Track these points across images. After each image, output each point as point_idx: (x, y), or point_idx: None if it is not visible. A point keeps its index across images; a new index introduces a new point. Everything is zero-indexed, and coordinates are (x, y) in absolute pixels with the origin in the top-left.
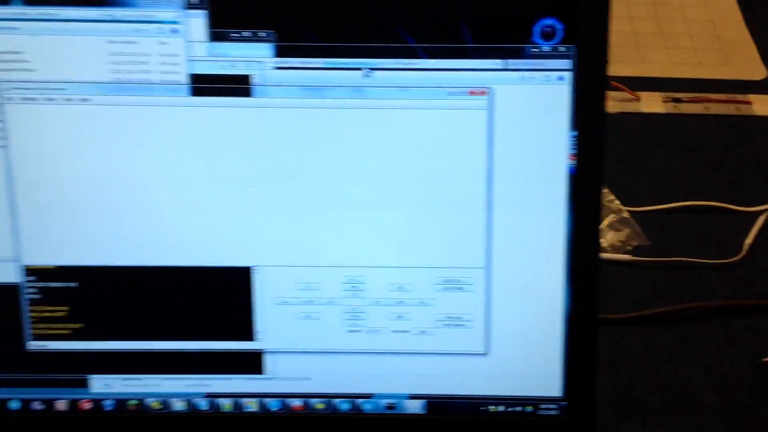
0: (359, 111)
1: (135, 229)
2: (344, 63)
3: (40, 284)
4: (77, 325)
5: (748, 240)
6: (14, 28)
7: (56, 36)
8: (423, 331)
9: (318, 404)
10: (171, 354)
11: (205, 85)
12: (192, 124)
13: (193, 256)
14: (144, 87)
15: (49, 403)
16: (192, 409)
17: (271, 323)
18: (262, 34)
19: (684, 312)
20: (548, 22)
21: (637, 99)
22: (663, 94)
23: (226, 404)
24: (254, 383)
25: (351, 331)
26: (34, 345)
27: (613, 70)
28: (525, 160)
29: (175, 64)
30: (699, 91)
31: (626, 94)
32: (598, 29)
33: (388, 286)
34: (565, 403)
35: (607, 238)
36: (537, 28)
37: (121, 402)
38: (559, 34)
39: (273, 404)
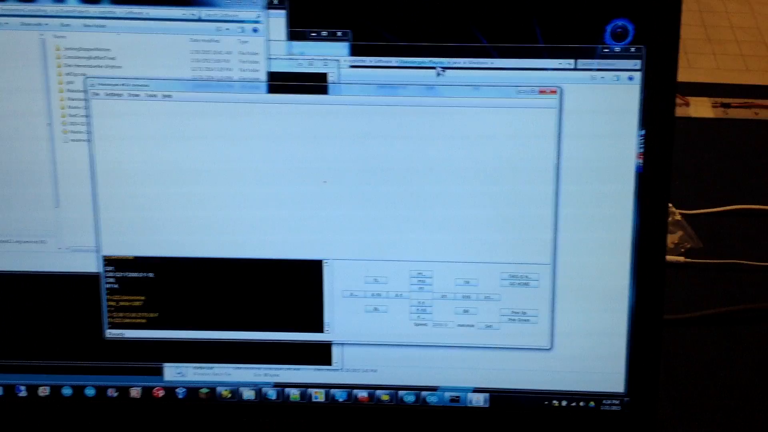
0: (431, 109)
1: (211, 222)
2: (418, 62)
3: (118, 274)
4: (153, 315)
5: None
6: (102, 26)
7: (141, 34)
8: (488, 326)
9: (383, 396)
10: (242, 344)
11: (282, 83)
12: (268, 121)
13: (267, 249)
14: (224, 84)
15: (123, 390)
16: (261, 399)
17: (340, 316)
18: (338, 33)
19: (739, 313)
20: (620, 22)
21: (687, 104)
22: (712, 99)
23: (293, 394)
24: (322, 374)
25: (417, 325)
26: (111, 333)
27: None
28: (593, 158)
29: (254, 62)
30: (747, 97)
31: (676, 99)
32: (668, 30)
33: (455, 281)
34: (627, 399)
35: None
36: (609, 29)
37: (192, 390)
38: (631, 35)
39: (339, 395)
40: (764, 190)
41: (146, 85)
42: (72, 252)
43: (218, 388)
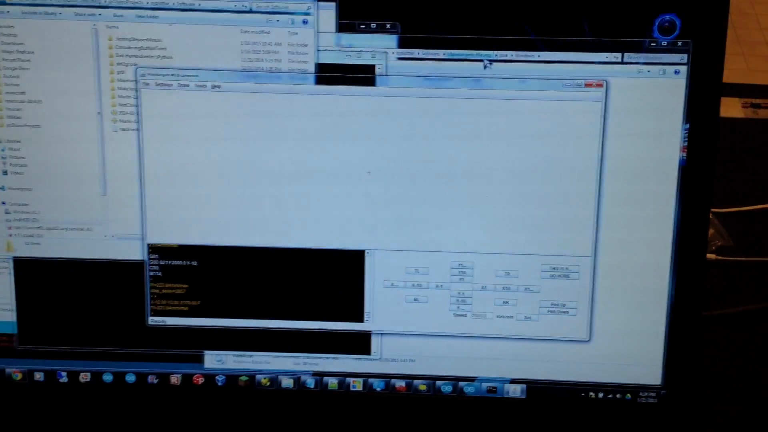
0: (477, 101)
1: (255, 211)
2: (465, 54)
3: (162, 262)
4: (195, 302)
5: None
6: (154, 17)
7: (193, 25)
8: (527, 317)
9: (421, 386)
10: (282, 333)
11: (330, 74)
12: (316, 112)
13: (309, 239)
14: (272, 75)
15: (164, 377)
16: (299, 387)
17: (380, 306)
18: (387, 25)
19: None
20: (668, 17)
21: None
22: (742, 99)
23: (332, 383)
24: (361, 363)
25: (457, 315)
26: (154, 321)
27: None
28: (637, 151)
29: (303, 53)
30: None
31: None
32: (715, 24)
33: (496, 272)
34: (664, 391)
35: None
36: (657, 23)
37: (232, 378)
38: (678, 29)
39: (377, 384)
40: None
41: (196, 76)
42: (117, 239)
43: (257, 376)
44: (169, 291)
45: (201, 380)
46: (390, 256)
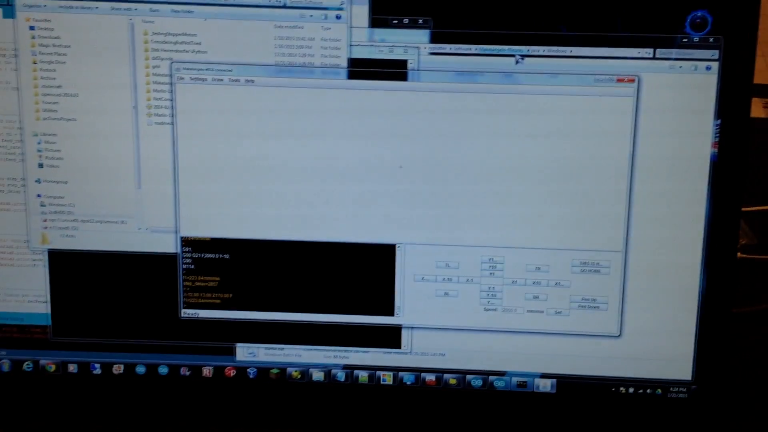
0: (509, 96)
1: (287, 205)
2: (497, 50)
3: (195, 255)
4: (227, 295)
5: None
6: (189, 12)
7: (227, 20)
8: (558, 312)
9: (451, 380)
10: (313, 326)
11: (362, 69)
12: (348, 106)
13: (341, 232)
14: (305, 70)
15: (196, 369)
16: (330, 380)
17: (411, 299)
18: (420, 20)
19: None
20: (699, 13)
21: None
22: (763, 99)
23: (362, 376)
24: (391, 357)
25: (487, 310)
26: (186, 313)
27: None
28: (668, 146)
29: (336, 48)
30: None
31: None
32: (747, 20)
33: (526, 267)
34: (694, 387)
35: None
36: (689, 19)
37: (263, 371)
38: (709, 25)
39: (407, 378)
40: None
41: (230, 70)
42: (151, 232)
43: (288, 369)
44: (202, 284)
45: (233, 373)
46: (421, 250)
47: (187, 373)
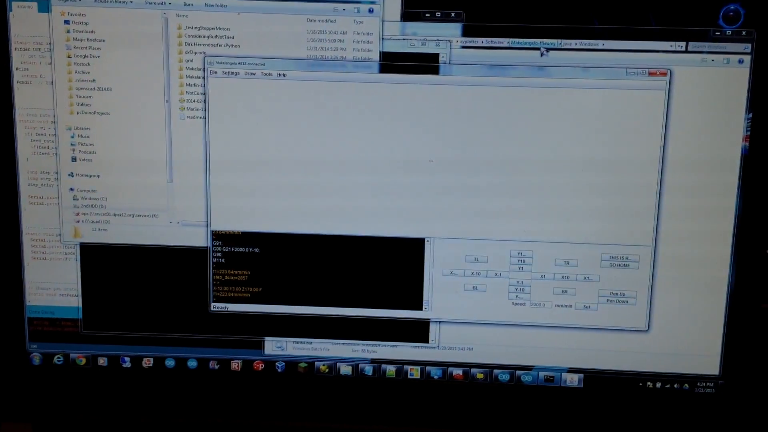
0: (540, 90)
1: (317, 199)
2: (529, 43)
3: (225, 249)
4: (256, 289)
5: None
6: (223, 6)
7: (260, 14)
8: (586, 306)
9: (478, 374)
10: (342, 320)
11: (394, 63)
12: (379, 100)
13: (371, 226)
14: (337, 63)
15: (224, 363)
16: (357, 374)
17: (439, 294)
18: (452, 13)
19: None
20: (732, 6)
21: None
22: None
23: (390, 370)
24: (419, 351)
25: (515, 304)
26: (216, 307)
27: None
28: (699, 140)
29: (368, 42)
30: None
31: None
32: None
33: (555, 261)
34: (722, 382)
35: None
36: (722, 12)
37: (291, 365)
38: (742, 18)
39: (435, 372)
40: None
41: (262, 64)
42: (182, 226)
43: (316, 363)
44: (232, 278)
45: (261, 366)
46: (449, 244)
47: (216, 367)
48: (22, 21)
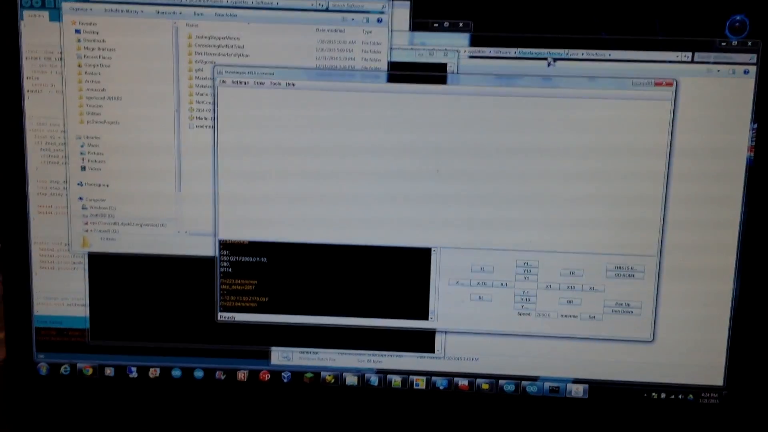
0: (547, 100)
1: (324, 209)
2: (536, 53)
3: (232, 258)
4: (263, 299)
5: None
6: (233, 15)
7: (270, 23)
8: (591, 317)
9: (483, 384)
10: (348, 330)
11: (403, 73)
12: (387, 110)
13: (377, 236)
14: (346, 73)
15: (231, 373)
16: (363, 384)
17: (445, 303)
18: (460, 23)
19: None
20: (738, 17)
21: None
22: None
23: (395, 380)
24: (424, 361)
25: (521, 314)
26: (223, 316)
27: None
28: (705, 150)
29: (376, 51)
30: None
31: None
32: None
33: (560, 271)
34: (726, 392)
35: None
36: (728, 23)
37: (297, 375)
38: (747, 29)
39: (440, 383)
40: None
41: (271, 74)
42: (190, 236)
43: (322, 373)
44: (239, 287)
45: (267, 376)
46: (456, 253)
47: (222, 377)
48: (33, 30)
